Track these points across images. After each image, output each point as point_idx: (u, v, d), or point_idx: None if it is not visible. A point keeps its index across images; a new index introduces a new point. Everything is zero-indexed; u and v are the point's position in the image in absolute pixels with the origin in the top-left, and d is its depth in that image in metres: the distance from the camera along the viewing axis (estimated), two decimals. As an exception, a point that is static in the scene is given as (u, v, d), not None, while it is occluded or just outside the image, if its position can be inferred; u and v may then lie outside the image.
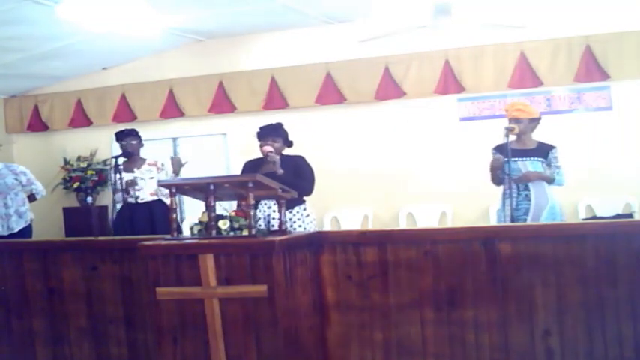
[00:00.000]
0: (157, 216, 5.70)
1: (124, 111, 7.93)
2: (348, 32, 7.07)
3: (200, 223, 3.71)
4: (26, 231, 6.24)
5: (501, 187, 4.82)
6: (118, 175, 5.28)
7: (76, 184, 7.95)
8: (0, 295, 4.50)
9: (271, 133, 4.73)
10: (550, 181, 4.76)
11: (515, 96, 6.64)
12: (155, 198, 5.76)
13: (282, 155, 4.71)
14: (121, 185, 5.36)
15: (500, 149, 4.79)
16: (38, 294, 4.42)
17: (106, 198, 7.71)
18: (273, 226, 4.51)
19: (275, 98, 7.41)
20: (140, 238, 3.94)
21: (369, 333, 3.80)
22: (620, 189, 6.46)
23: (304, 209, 4.72)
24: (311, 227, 4.67)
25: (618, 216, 4.99)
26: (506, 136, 4.67)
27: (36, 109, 8.31)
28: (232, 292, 3.50)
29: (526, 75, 6.68)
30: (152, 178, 5.73)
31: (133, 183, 5.64)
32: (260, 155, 4.73)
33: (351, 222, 7.20)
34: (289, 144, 4.84)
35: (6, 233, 6.07)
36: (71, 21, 5.43)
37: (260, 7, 6.44)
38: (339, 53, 7.22)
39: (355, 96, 7.23)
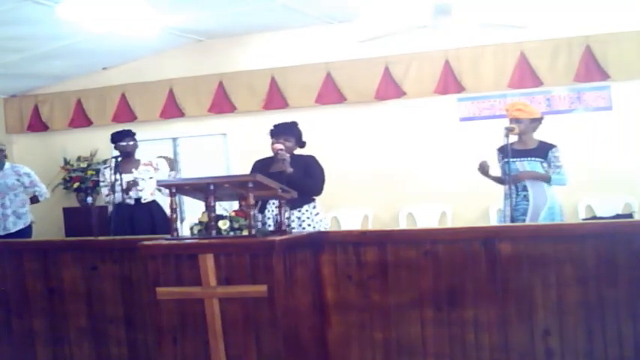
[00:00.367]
0: (157, 216, 5.72)
1: (124, 111, 7.93)
2: (348, 32, 7.07)
3: (200, 223, 3.70)
4: (24, 232, 6.21)
5: (502, 188, 4.83)
6: (117, 176, 5.27)
7: (76, 184, 7.95)
8: (0, 295, 4.50)
9: (285, 132, 4.68)
10: (547, 180, 4.75)
11: (515, 96, 6.64)
12: (154, 198, 5.78)
13: (293, 154, 4.65)
14: (121, 185, 5.36)
15: (502, 149, 4.80)
16: (38, 294, 4.42)
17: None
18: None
19: (275, 98, 7.41)
20: (140, 238, 3.94)
21: (369, 333, 3.80)
22: (620, 189, 6.47)
23: (314, 208, 4.64)
24: (321, 226, 4.59)
25: (618, 216, 4.99)
26: (506, 136, 4.68)
27: (36, 109, 8.31)
28: (232, 292, 3.50)
29: (526, 75, 6.68)
30: (151, 178, 5.75)
31: (135, 183, 5.65)
32: (271, 154, 4.65)
33: (351, 222, 7.20)
34: (302, 144, 4.79)
35: (2, 233, 6.06)
36: (71, 21, 5.43)
37: (260, 7, 6.44)
38: (339, 53, 7.22)
39: (355, 96, 7.23)
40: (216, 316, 3.51)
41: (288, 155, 4.51)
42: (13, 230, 6.13)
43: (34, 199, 6.38)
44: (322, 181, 4.66)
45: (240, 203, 3.94)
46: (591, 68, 6.50)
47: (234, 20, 6.88)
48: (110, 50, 7.26)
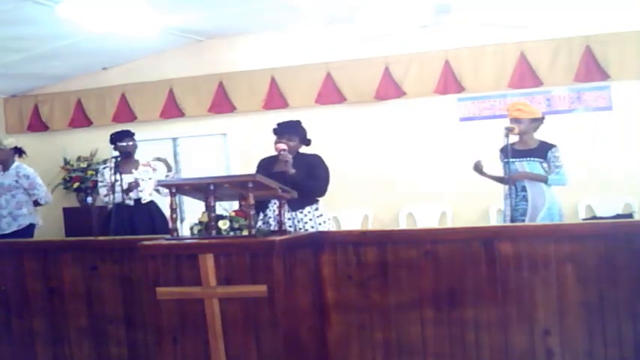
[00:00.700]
0: (156, 217, 5.72)
1: (124, 111, 7.93)
2: (348, 32, 7.06)
3: (200, 223, 3.70)
4: (18, 234, 6.10)
5: (502, 188, 4.84)
6: (117, 176, 5.26)
7: (76, 184, 7.95)
8: (0, 295, 4.50)
9: (288, 131, 4.60)
10: (543, 180, 4.75)
11: (515, 96, 6.64)
12: (152, 198, 5.79)
13: (297, 153, 4.58)
14: (121, 186, 5.35)
15: (503, 150, 4.80)
16: (38, 294, 4.42)
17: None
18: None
19: (275, 98, 7.40)
20: (140, 238, 3.94)
21: (369, 333, 3.80)
22: (620, 189, 6.47)
23: (316, 209, 4.56)
24: (324, 227, 4.51)
25: (618, 216, 4.99)
26: (506, 136, 4.68)
27: (36, 109, 8.31)
28: (232, 292, 3.50)
29: (526, 75, 6.68)
30: (150, 178, 5.76)
31: (136, 184, 5.65)
32: (275, 152, 4.57)
33: (351, 222, 7.20)
34: (307, 142, 4.71)
35: None
36: (71, 21, 5.43)
37: (260, 7, 6.43)
38: (339, 53, 7.22)
39: (355, 96, 7.23)
40: (216, 316, 3.51)
41: (290, 157, 4.43)
42: (7, 231, 6.09)
43: (37, 202, 6.34)
44: (326, 181, 4.58)
45: (240, 203, 3.94)
46: (591, 68, 6.50)
47: (234, 20, 6.88)
48: (110, 50, 7.26)
